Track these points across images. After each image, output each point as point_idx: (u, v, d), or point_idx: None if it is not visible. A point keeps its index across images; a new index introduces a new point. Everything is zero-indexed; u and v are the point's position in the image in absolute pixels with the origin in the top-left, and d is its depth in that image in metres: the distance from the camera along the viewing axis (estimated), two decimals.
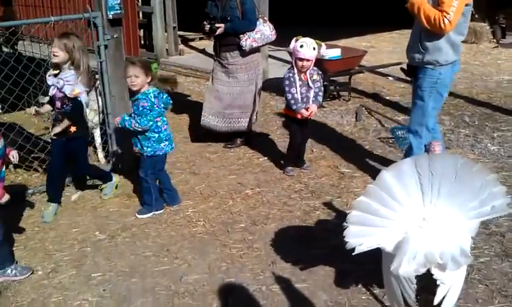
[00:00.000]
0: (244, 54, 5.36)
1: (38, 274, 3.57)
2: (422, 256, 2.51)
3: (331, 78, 7.20)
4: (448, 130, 5.96)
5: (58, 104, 4.13)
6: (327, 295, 3.25)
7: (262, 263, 3.60)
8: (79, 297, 3.32)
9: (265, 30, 5.38)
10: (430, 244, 2.54)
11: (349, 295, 3.24)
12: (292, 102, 4.77)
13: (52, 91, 4.12)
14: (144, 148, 4.16)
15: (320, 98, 4.92)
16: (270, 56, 9.01)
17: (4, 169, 3.47)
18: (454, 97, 7.05)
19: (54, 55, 4.02)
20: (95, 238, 3.99)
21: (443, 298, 2.74)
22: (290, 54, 7.39)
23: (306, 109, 4.76)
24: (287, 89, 4.80)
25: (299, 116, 4.81)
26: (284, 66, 8.67)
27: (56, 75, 4.09)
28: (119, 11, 4.62)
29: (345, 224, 2.65)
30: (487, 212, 2.60)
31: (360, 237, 2.64)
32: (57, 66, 4.09)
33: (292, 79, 4.78)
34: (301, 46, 4.66)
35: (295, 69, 4.78)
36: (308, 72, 4.79)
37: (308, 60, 4.71)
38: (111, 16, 4.58)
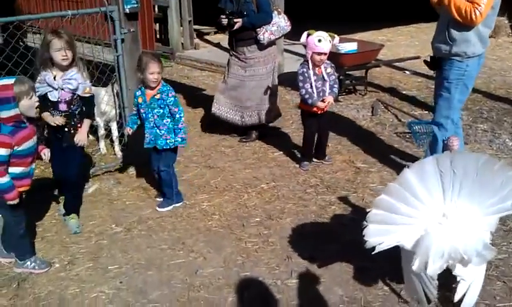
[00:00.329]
0: (261, 47, 5.36)
1: (55, 266, 3.60)
2: (446, 253, 2.49)
3: (347, 73, 7.15)
4: (466, 125, 5.88)
5: (64, 107, 3.84)
6: (342, 290, 3.24)
7: (277, 258, 3.60)
8: (96, 289, 3.35)
9: (280, 22, 5.37)
10: (452, 240, 2.52)
11: (365, 290, 3.23)
12: (307, 96, 4.77)
13: (57, 95, 3.80)
14: (177, 139, 4.16)
15: (336, 90, 4.92)
16: (285, 50, 8.96)
17: (34, 166, 3.46)
18: (472, 92, 6.85)
19: (63, 58, 3.70)
20: (111, 230, 4.02)
21: (464, 295, 2.72)
22: (305, 47, 7.38)
23: (322, 101, 4.76)
24: (300, 84, 4.80)
25: (315, 109, 4.80)
26: (299, 60, 8.62)
27: (55, 77, 3.78)
28: (135, 5, 4.63)
29: (364, 222, 2.62)
30: (507, 207, 2.56)
31: (379, 236, 2.61)
32: (61, 67, 3.80)
33: (306, 75, 4.78)
34: (319, 40, 4.66)
35: (310, 63, 4.77)
36: (322, 66, 4.79)
37: (325, 54, 4.72)
38: (127, 10, 4.59)
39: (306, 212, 4.20)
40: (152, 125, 4.11)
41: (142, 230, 4.00)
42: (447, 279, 2.83)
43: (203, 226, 4.04)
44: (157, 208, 4.30)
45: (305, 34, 4.75)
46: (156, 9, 10.25)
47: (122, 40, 4.65)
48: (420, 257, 2.52)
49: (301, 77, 4.80)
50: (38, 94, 3.64)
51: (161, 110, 4.08)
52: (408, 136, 5.64)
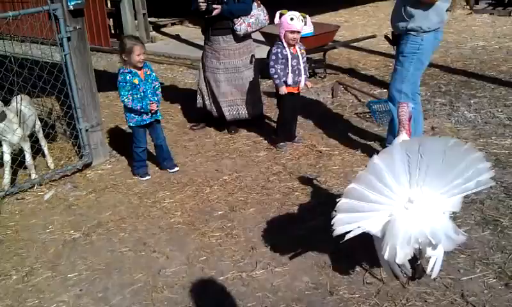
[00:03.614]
0: (237, 38, 5.21)
1: (12, 279, 3.45)
2: (413, 238, 2.48)
3: (306, 56, 7.08)
4: (424, 100, 5.92)
5: None
6: (308, 276, 3.21)
7: (241, 250, 3.54)
8: (56, 299, 3.22)
9: (259, 15, 5.24)
10: (418, 225, 2.51)
11: (331, 275, 3.20)
12: (276, 76, 4.86)
13: None
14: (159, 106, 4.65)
15: (308, 73, 5.15)
16: None
17: None
18: (429, 66, 6.96)
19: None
20: (70, 237, 3.87)
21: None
22: (265, 34, 7.32)
23: (299, 85, 5.00)
24: (272, 63, 4.85)
25: (291, 89, 4.93)
26: (258, 47, 8.54)
27: None
28: (80, 1, 4.45)
29: (333, 212, 2.58)
30: (471, 187, 2.57)
31: (347, 224, 2.58)
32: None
33: (279, 55, 4.82)
34: (292, 19, 4.73)
35: (284, 43, 4.81)
36: (296, 45, 4.89)
37: (298, 32, 4.81)
38: (71, 7, 4.41)
39: (270, 201, 4.15)
40: (150, 98, 4.48)
41: (101, 234, 3.88)
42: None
43: (165, 224, 3.95)
44: (172, 170, 4.77)
45: (278, 14, 4.80)
46: (109, 3, 10.01)
47: (68, 38, 4.47)
48: (389, 245, 2.51)
49: (273, 57, 4.84)
50: None
51: (152, 85, 4.53)
52: (368, 116, 5.64)
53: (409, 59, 4.18)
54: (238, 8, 5.12)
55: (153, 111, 4.51)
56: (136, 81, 4.41)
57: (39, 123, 4.95)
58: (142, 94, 4.44)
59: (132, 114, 4.50)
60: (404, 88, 4.25)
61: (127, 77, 4.39)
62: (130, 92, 4.41)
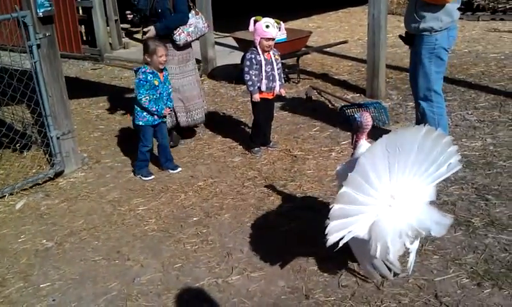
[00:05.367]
0: (177, 47, 5.12)
1: None
2: (403, 233, 2.51)
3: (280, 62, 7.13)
4: (396, 104, 6.01)
5: None
6: (284, 281, 3.21)
7: (217, 256, 3.53)
8: None
9: (198, 23, 5.16)
10: (405, 220, 2.54)
11: (306, 279, 3.21)
12: (250, 83, 4.86)
13: None
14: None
15: (282, 79, 5.15)
16: (216, 43, 8.84)
17: None
18: (400, 71, 7.12)
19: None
20: (42, 246, 3.81)
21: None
22: (238, 40, 7.37)
23: (273, 91, 5.00)
24: (246, 69, 4.86)
25: (266, 95, 4.95)
26: (232, 53, 8.59)
27: None
28: (49, 8, 4.39)
29: (327, 221, 2.57)
30: (444, 172, 2.62)
31: (339, 231, 2.57)
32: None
33: (254, 61, 4.83)
34: (267, 26, 4.75)
35: (258, 49, 4.82)
36: (271, 51, 4.90)
37: (273, 39, 4.83)
38: (41, 14, 4.36)
39: (245, 206, 4.14)
40: (165, 101, 4.70)
41: (74, 243, 3.82)
42: None
43: (139, 231, 3.91)
44: (175, 171, 4.83)
45: (252, 20, 4.81)
46: (80, 10, 9.90)
47: (38, 46, 4.41)
48: (380, 244, 2.52)
49: (247, 63, 4.85)
50: None
51: (168, 88, 4.75)
52: (341, 121, 5.67)
53: (429, 59, 4.35)
54: (174, 20, 5.00)
55: (165, 115, 4.72)
56: (156, 82, 4.58)
57: None
58: (158, 95, 4.61)
59: (145, 113, 4.63)
60: (432, 86, 4.42)
61: (148, 77, 4.53)
62: (148, 92, 4.54)
